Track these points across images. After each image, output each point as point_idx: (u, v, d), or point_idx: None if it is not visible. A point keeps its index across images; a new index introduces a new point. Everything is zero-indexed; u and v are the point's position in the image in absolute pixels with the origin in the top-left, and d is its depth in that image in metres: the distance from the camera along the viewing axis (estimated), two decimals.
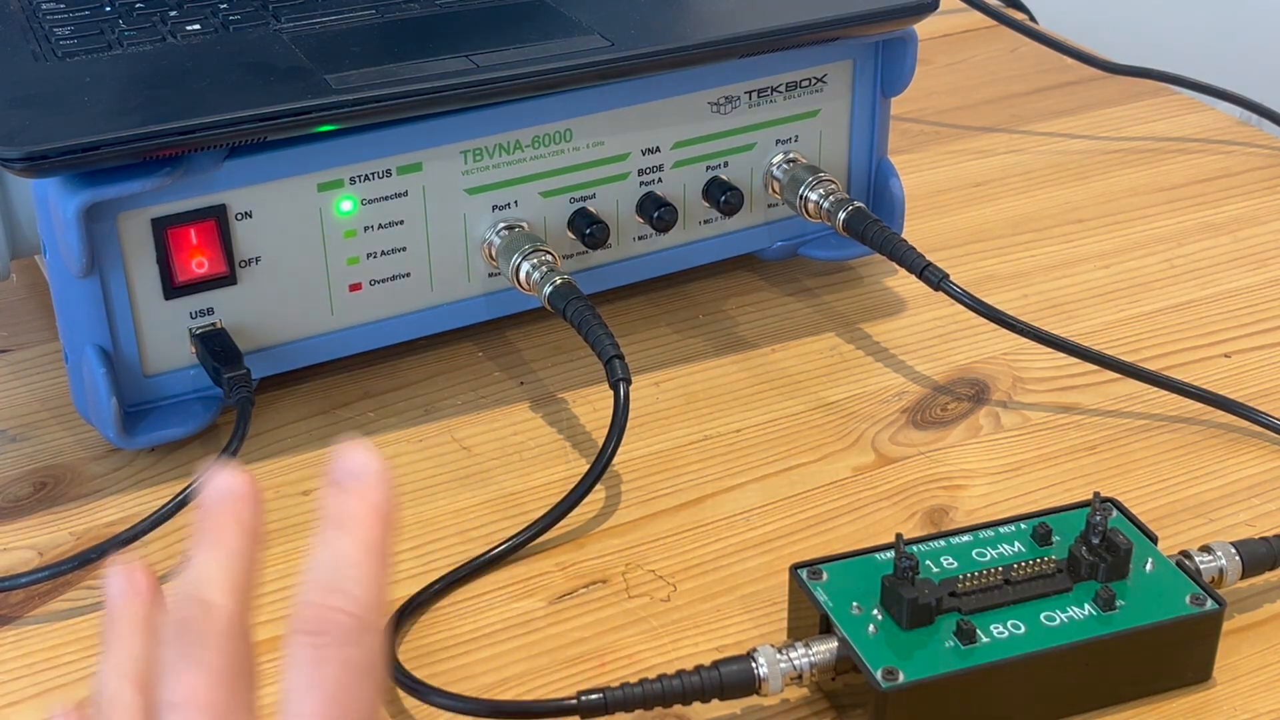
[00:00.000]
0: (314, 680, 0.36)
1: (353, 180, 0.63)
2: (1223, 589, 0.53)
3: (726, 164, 0.70)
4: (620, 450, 0.60)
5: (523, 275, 0.64)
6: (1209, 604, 0.51)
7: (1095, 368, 0.67)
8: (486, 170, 0.65)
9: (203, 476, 0.40)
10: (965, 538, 0.53)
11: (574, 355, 0.69)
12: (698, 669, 0.49)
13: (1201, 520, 0.59)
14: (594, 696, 0.48)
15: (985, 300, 0.66)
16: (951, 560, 0.52)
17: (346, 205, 0.63)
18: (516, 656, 0.54)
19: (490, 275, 0.67)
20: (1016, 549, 0.53)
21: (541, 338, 0.71)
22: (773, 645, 0.49)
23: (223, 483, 0.40)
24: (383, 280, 0.65)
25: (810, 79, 0.70)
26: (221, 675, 0.37)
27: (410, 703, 0.51)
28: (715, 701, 0.49)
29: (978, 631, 0.49)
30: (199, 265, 0.61)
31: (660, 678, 0.49)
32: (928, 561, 0.52)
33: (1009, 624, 0.50)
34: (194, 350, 0.62)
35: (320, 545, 0.38)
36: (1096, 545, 0.51)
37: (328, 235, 0.63)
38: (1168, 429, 0.65)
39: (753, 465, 0.63)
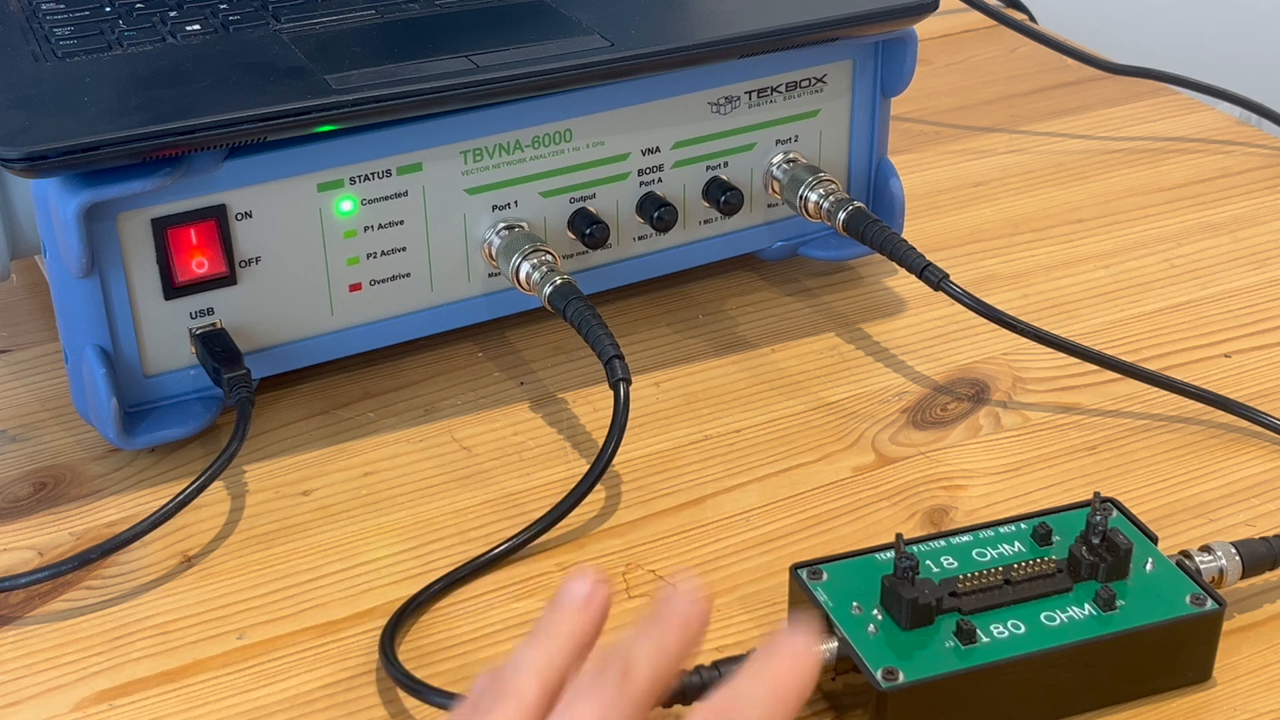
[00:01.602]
0: None
1: (353, 180, 0.63)
2: (1223, 589, 0.53)
3: (726, 164, 0.70)
4: (620, 450, 0.60)
5: (523, 275, 0.64)
6: (1209, 604, 0.51)
7: (1095, 368, 0.67)
8: (486, 170, 0.65)
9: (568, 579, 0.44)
10: (965, 538, 0.53)
11: (574, 355, 0.69)
12: (698, 669, 0.49)
13: (1201, 520, 0.59)
14: None
15: (985, 300, 0.66)
16: (951, 560, 0.52)
17: (346, 205, 0.63)
18: None
19: (490, 275, 0.67)
20: (1016, 549, 0.53)
21: (541, 338, 0.71)
22: None
23: (685, 589, 0.44)
24: (383, 280, 0.65)
25: (810, 79, 0.70)
26: (611, 717, 0.40)
27: (410, 703, 0.52)
28: None
29: (978, 631, 0.49)
30: (199, 265, 0.61)
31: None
32: (928, 561, 0.52)
33: (1009, 624, 0.50)
34: (194, 350, 0.62)
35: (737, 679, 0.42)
36: (1096, 545, 0.51)
37: (328, 235, 0.63)
38: (1168, 429, 0.65)
39: (753, 465, 0.63)
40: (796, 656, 0.42)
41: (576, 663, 0.43)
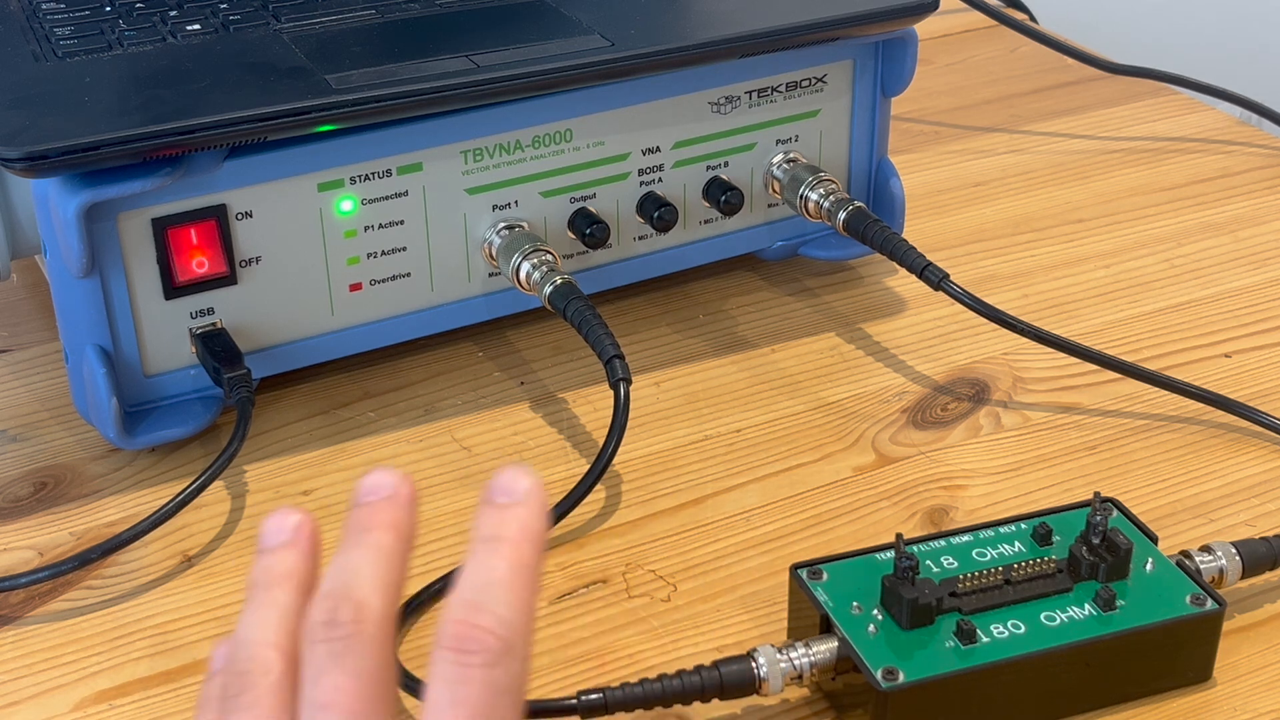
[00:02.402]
0: (457, 698, 0.36)
1: (353, 180, 0.63)
2: (1223, 589, 0.53)
3: (727, 164, 0.70)
4: (620, 450, 0.60)
5: (523, 275, 0.64)
6: (1209, 604, 0.51)
7: (1095, 368, 0.67)
8: (487, 170, 0.65)
9: (367, 475, 0.40)
10: (965, 538, 0.53)
11: (574, 355, 0.69)
12: (698, 669, 0.49)
13: (1201, 520, 0.59)
14: (594, 696, 0.48)
15: (985, 300, 0.66)
16: (952, 560, 0.52)
17: (347, 205, 0.63)
18: None
19: (490, 275, 0.67)
20: (1017, 549, 0.53)
21: (541, 338, 0.71)
22: (773, 645, 0.49)
23: (380, 481, 0.40)
24: (383, 280, 0.65)
25: (810, 79, 0.70)
26: (369, 681, 0.37)
27: (410, 702, 0.51)
28: (715, 701, 0.49)
29: (978, 631, 0.49)
30: (199, 265, 0.61)
31: (660, 677, 0.48)
32: (928, 561, 0.52)
33: (1009, 624, 0.50)
34: (194, 350, 0.62)
35: (470, 562, 0.38)
36: (1097, 545, 0.51)
37: (328, 235, 0.63)
38: (1168, 429, 0.65)
39: (753, 465, 0.63)
40: (513, 497, 0.39)
41: (305, 609, 0.39)
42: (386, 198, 0.64)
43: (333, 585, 0.38)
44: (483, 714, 0.36)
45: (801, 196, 0.70)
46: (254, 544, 0.59)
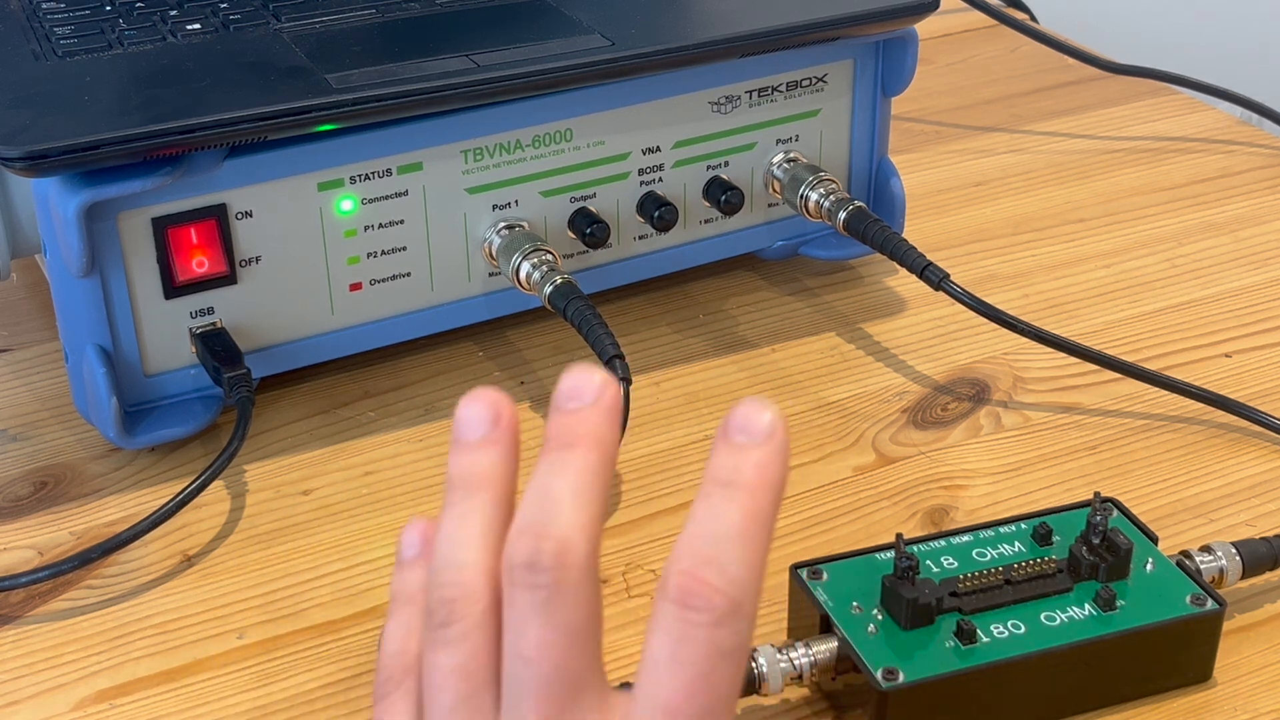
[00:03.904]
0: (680, 657, 0.34)
1: (353, 180, 0.63)
2: (1223, 589, 0.53)
3: (727, 163, 0.70)
4: (620, 450, 0.60)
5: (523, 275, 0.64)
6: (1209, 604, 0.51)
7: (1095, 368, 0.67)
8: (487, 170, 0.65)
9: (568, 375, 0.37)
10: (965, 538, 0.53)
11: (574, 355, 0.69)
12: None
13: (1201, 520, 0.59)
14: None
15: (985, 300, 0.66)
16: (952, 560, 0.52)
17: (347, 205, 0.63)
18: None
19: (490, 275, 0.67)
20: (1017, 549, 0.53)
21: (541, 338, 0.71)
22: (773, 645, 0.49)
23: (584, 384, 0.37)
24: (383, 280, 0.65)
25: (811, 79, 0.70)
26: (576, 634, 0.35)
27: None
28: None
29: (978, 631, 0.49)
30: (199, 265, 0.61)
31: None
32: (928, 561, 0.52)
33: (1009, 624, 0.50)
34: (194, 350, 0.62)
35: (703, 507, 0.35)
36: (1097, 545, 0.51)
37: (328, 235, 0.63)
38: (1168, 429, 0.65)
39: None
40: (753, 437, 0.35)
41: (509, 521, 0.37)
42: (386, 197, 0.64)
43: (534, 518, 0.36)
44: (704, 674, 0.34)
45: (802, 196, 0.70)
46: (255, 542, 0.59)
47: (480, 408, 0.39)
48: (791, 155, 0.71)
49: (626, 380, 0.60)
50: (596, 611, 0.36)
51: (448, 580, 0.37)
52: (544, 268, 0.64)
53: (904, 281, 0.74)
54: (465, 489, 0.38)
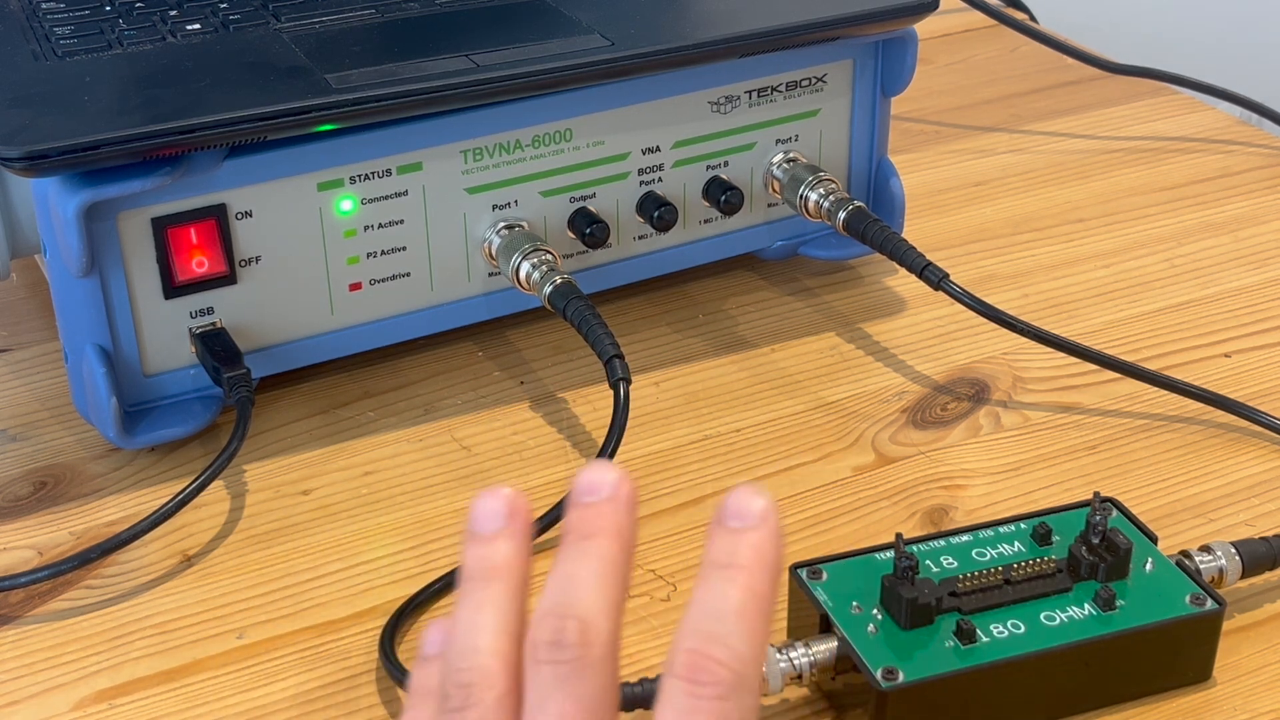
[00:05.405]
0: None
1: (353, 180, 0.63)
2: (1223, 589, 0.53)
3: (727, 163, 0.70)
4: (620, 450, 0.60)
5: (523, 275, 0.64)
6: (1209, 604, 0.51)
7: (1095, 368, 0.67)
8: (486, 170, 0.65)
9: (584, 471, 0.38)
10: (965, 538, 0.53)
11: (574, 355, 0.69)
12: None
13: (1201, 520, 0.59)
14: None
15: (985, 300, 0.66)
16: (951, 560, 0.52)
17: (346, 205, 0.63)
18: None
19: (490, 275, 0.67)
20: (1016, 549, 0.53)
21: (541, 338, 0.71)
22: (772, 645, 0.49)
23: (600, 479, 0.38)
24: (383, 280, 0.65)
25: (810, 78, 0.70)
26: (595, 707, 0.36)
27: (390, 696, 0.51)
28: None
29: (978, 631, 0.49)
30: (199, 265, 0.61)
31: (660, 678, 0.48)
32: (928, 561, 0.52)
33: (1009, 624, 0.50)
34: (194, 350, 0.62)
35: (704, 589, 0.37)
36: (1096, 545, 0.51)
37: (328, 235, 0.63)
38: (1168, 429, 0.65)
39: (753, 465, 0.63)
40: (746, 521, 0.37)
41: (525, 608, 0.38)
42: (386, 197, 0.64)
43: (557, 600, 0.37)
44: None
45: (801, 196, 0.70)
46: (255, 543, 0.59)
47: (496, 503, 0.40)
48: (791, 155, 0.71)
49: (626, 380, 0.60)
50: (615, 692, 0.37)
51: (464, 665, 0.38)
52: (544, 268, 0.64)
53: (904, 281, 0.74)
54: (481, 579, 0.39)
